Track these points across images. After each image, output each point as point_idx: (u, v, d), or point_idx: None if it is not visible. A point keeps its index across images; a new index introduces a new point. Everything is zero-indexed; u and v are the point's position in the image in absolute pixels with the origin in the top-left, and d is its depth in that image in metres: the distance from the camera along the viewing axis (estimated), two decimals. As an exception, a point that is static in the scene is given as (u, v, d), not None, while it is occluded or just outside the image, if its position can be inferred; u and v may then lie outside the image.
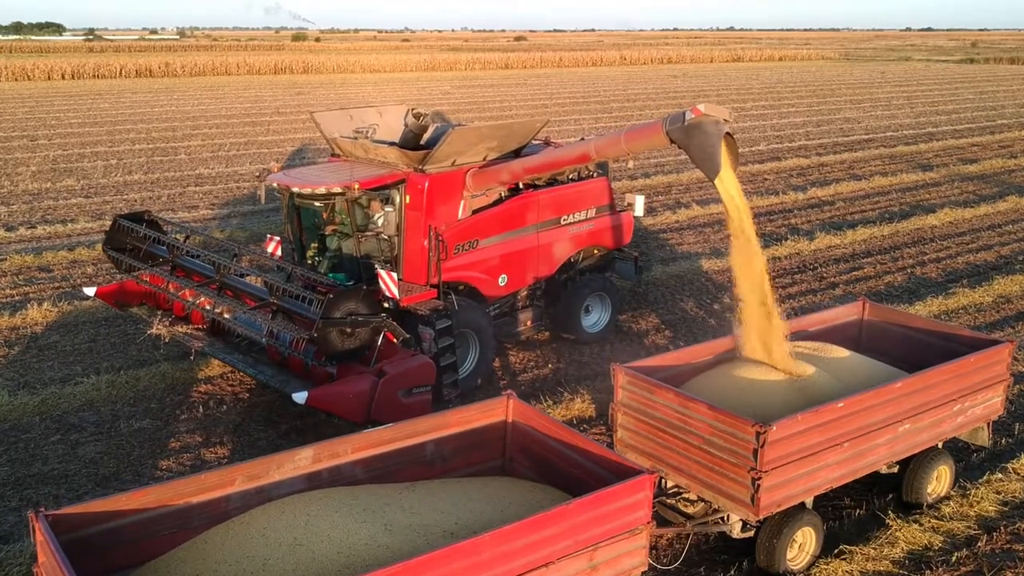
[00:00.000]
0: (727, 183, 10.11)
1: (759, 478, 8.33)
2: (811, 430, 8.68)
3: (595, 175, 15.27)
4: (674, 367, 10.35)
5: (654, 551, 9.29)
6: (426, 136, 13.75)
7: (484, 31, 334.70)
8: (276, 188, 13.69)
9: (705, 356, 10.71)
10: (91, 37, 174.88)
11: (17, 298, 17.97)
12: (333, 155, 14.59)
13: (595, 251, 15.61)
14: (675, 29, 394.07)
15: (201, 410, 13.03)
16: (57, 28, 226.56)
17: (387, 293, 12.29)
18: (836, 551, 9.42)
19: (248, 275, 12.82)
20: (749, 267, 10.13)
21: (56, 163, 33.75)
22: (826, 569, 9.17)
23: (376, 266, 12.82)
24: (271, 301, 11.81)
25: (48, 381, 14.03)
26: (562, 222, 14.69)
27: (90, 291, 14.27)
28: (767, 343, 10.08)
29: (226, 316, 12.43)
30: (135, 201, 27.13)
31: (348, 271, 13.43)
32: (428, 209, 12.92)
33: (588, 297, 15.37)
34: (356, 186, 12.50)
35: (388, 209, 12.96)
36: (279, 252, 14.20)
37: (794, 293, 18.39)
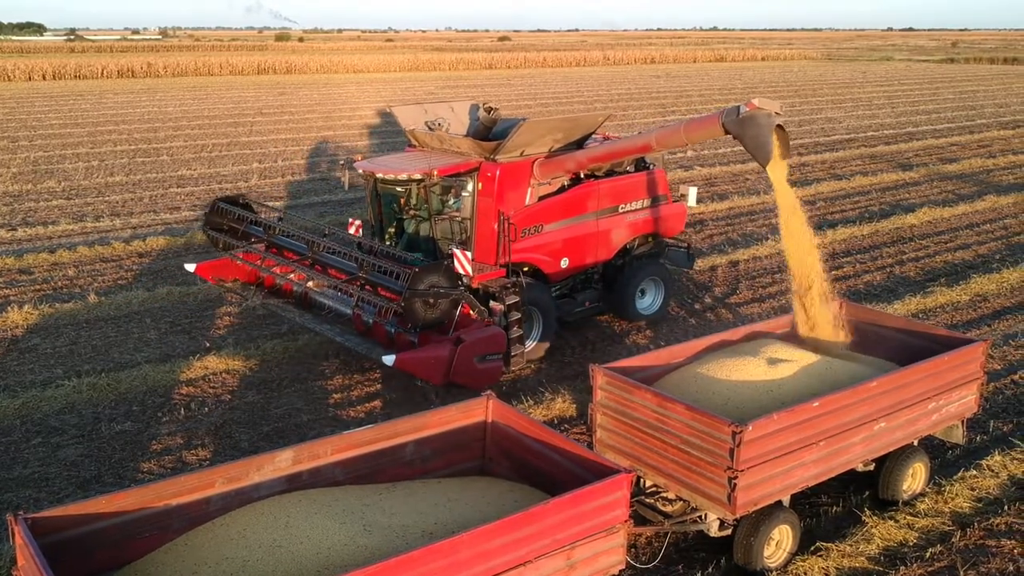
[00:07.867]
0: (777, 171, 11.18)
1: (735, 477, 8.42)
2: (787, 429, 8.78)
3: (649, 167, 16.21)
4: (652, 367, 10.45)
5: (633, 550, 9.38)
6: (494, 129, 14.98)
7: (468, 31, 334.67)
8: (362, 174, 14.87)
9: (683, 356, 10.82)
10: (72, 37, 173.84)
11: (-3, 301, 17.89)
12: (410, 146, 15.71)
13: (649, 239, 16.62)
14: (658, 29, 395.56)
15: (182, 412, 13.04)
16: (38, 28, 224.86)
17: (461, 271, 13.12)
18: (813, 548, 9.53)
19: (337, 252, 13.71)
20: (798, 239, 11.30)
21: (37, 164, 33.57)
22: (803, 566, 9.28)
23: (451, 246, 13.86)
24: (360, 275, 12.85)
25: (28, 384, 13.99)
26: (620, 210, 15.66)
27: (190, 267, 15.62)
28: (815, 305, 11.05)
29: (315, 290, 13.87)
30: (117, 203, 27.03)
31: (424, 251, 14.49)
32: (499, 195, 13.98)
33: (643, 281, 16.38)
34: (435, 173, 13.72)
35: (464, 194, 14.16)
36: (360, 233, 15.23)
37: (774, 292, 18.53)
